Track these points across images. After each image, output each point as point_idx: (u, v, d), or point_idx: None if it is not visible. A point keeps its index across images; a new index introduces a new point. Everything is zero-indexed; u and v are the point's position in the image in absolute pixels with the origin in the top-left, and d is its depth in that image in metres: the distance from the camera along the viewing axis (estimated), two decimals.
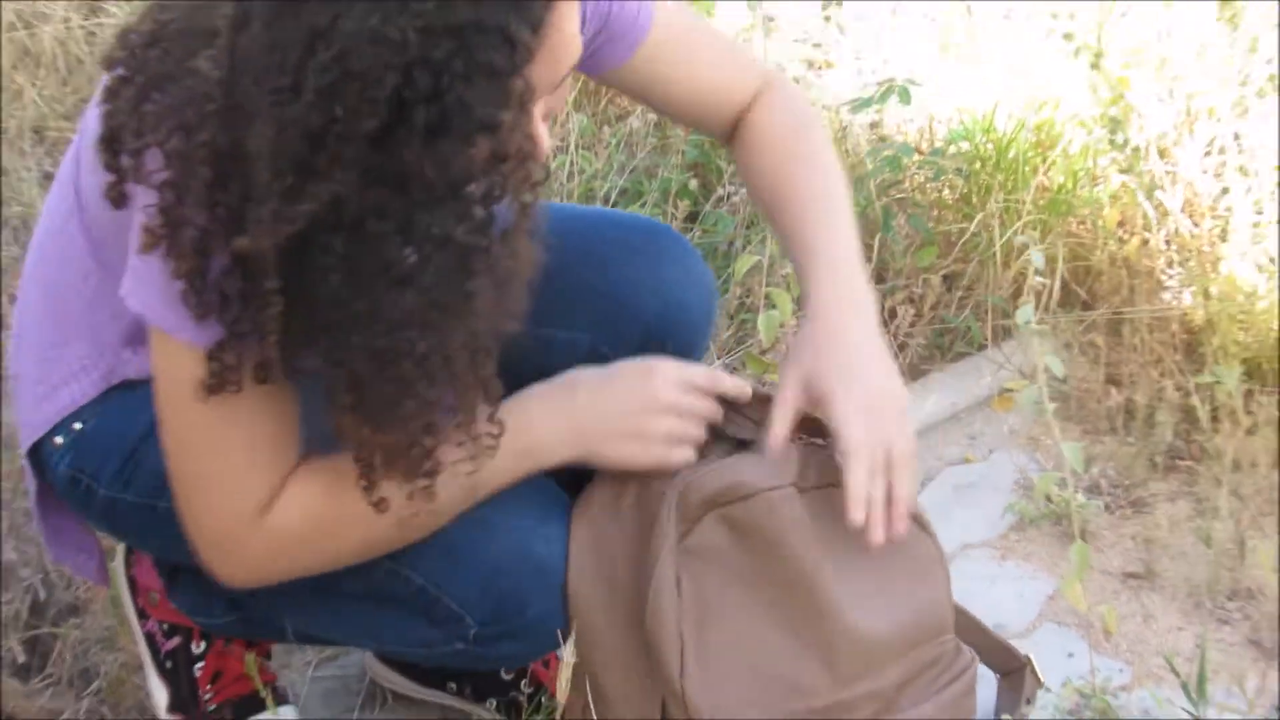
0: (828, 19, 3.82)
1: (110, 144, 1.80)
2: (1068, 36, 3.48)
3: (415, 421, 1.76)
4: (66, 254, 2.07)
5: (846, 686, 2.00)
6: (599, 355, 2.18)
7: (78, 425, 2.10)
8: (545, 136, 1.76)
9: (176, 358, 1.81)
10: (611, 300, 2.22)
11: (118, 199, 1.81)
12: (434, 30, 1.53)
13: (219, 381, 1.78)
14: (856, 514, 1.93)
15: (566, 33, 1.72)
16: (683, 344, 2.27)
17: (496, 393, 1.82)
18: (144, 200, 1.75)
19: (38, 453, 2.15)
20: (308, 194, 1.58)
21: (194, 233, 1.71)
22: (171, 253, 1.74)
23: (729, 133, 2.30)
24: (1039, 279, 3.01)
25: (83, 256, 2.03)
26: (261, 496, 1.88)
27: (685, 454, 2.01)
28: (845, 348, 2.05)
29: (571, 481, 2.12)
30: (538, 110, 1.72)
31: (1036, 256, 2.66)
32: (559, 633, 2.04)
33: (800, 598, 1.99)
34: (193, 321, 1.75)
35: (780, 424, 2.01)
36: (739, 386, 2.03)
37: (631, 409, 2.00)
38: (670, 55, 2.21)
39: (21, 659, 2.46)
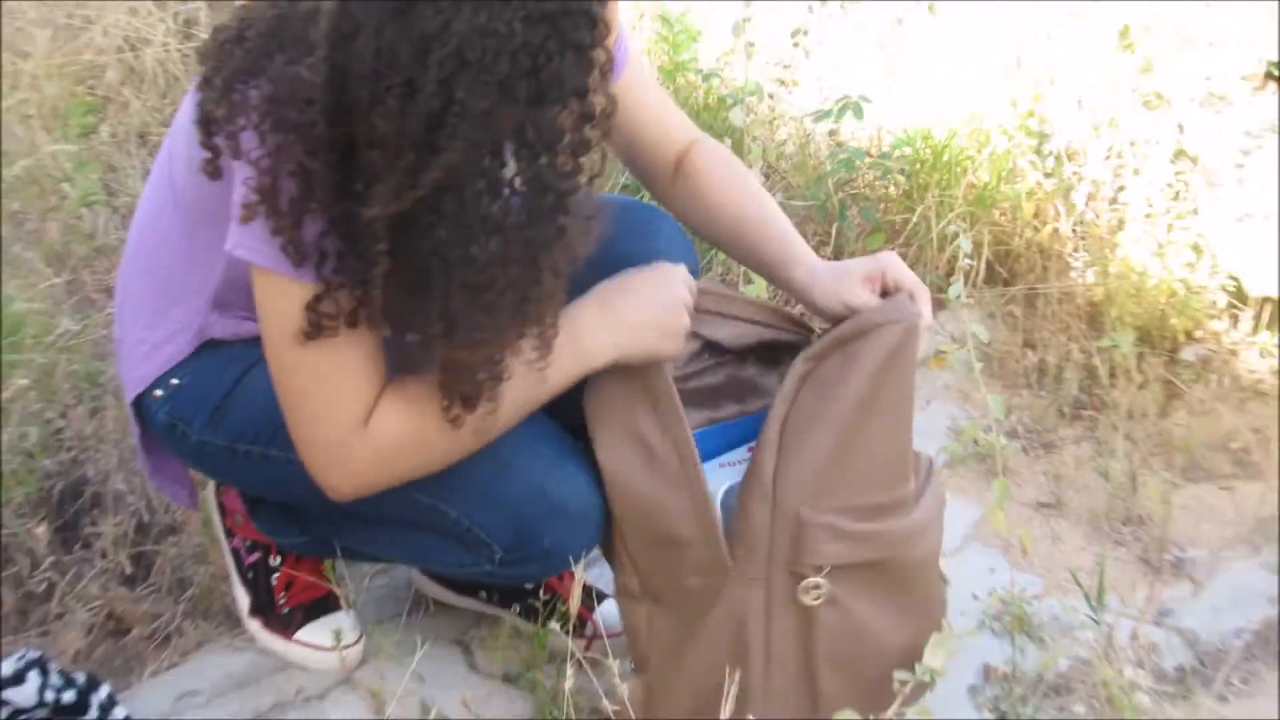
0: (796, 45, 3.81)
1: (206, 125, 1.83)
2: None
3: (495, 344, 1.80)
4: (163, 235, 2.10)
5: (902, 486, 2.05)
6: None
7: (174, 381, 2.13)
8: None
9: (281, 298, 1.83)
10: (610, 265, 2.13)
11: (214, 172, 1.84)
12: (532, 18, 1.59)
13: (315, 329, 1.80)
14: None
15: (614, 16, 1.77)
16: None
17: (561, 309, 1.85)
18: (242, 174, 1.78)
19: (140, 403, 2.18)
20: (428, 168, 1.62)
21: (289, 202, 1.74)
22: (270, 217, 1.76)
23: (668, 175, 2.29)
24: (967, 261, 3.03)
25: (176, 237, 2.06)
26: (359, 411, 1.88)
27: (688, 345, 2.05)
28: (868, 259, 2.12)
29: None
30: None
31: (965, 243, 2.67)
32: (569, 557, 2.05)
33: (890, 419, 2.02)
34: (293, 268, 1.78)
35: (870, 297, 2.08)
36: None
37: (664, 309, 1.99)
38: (636, 92, 2.21)
39: (129, 571, 2.47)
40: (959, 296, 2.55)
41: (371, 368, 1.88)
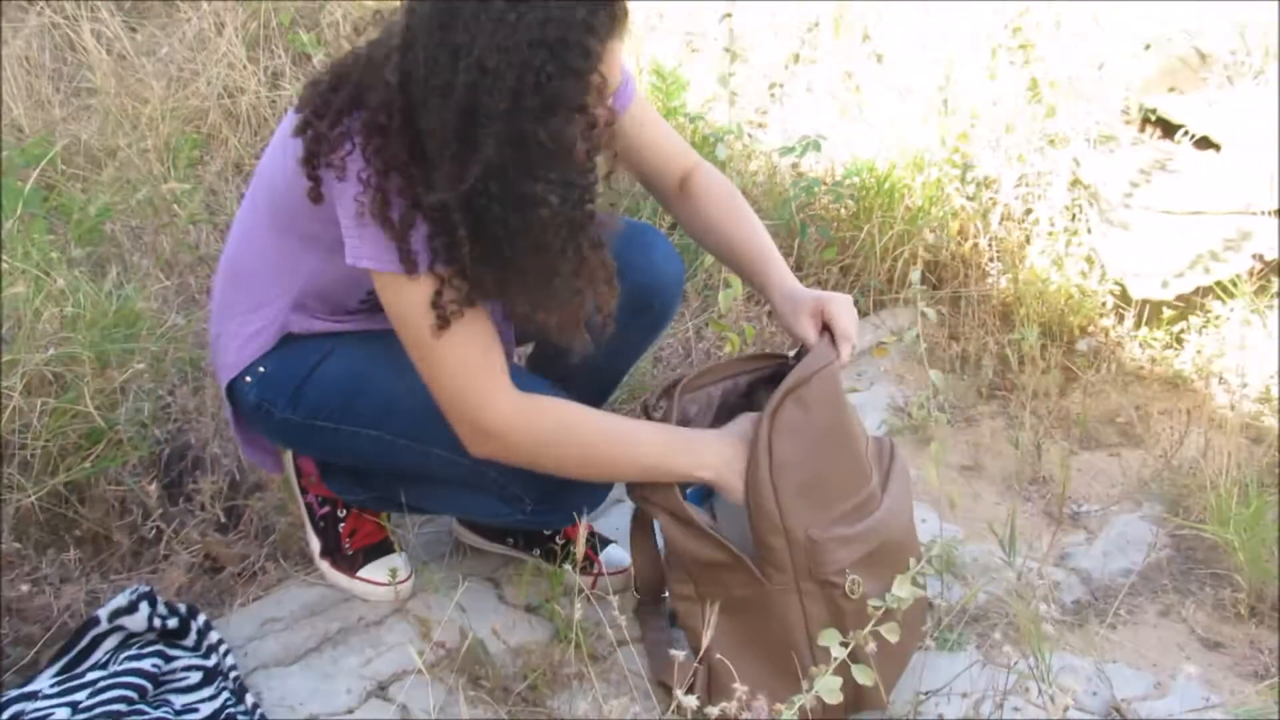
0: (773, 96, 3.80)
1: (310, 161, 1.83)
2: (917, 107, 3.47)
3: (565, 293, 1.83)
4: (253, 251, 2.09)
5: (866, 486, 2.07)
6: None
7: (261, 369, 2.13)
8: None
9: (407, 298, 1.86)
10: (619, 270, 2.18)
11: (317, 198, 1.85)
12: (536, 43, 1.64)
13: (443, 318, 1.83)
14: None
15: (615, 61, 1.78)
16: (661, 303, 2.31)
17: (613, 272, 1.88)
18: (353, 191, 1.80)
19: (232, 387, 2.17)
20: (472, 157, 1.69)
21: (398, 209, 1.79)
22: (384, 227, 1.79)
23: (673, 193, 2.28)
24: (915, 275, 2.96)
25: (265, 252, 2.04)
26: (507, 376, 1.92)
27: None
28: (818, 295, 2.13)
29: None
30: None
31: (915, 275, 2.66)
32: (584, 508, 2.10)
33: (839, 440, 2.06)
34: (408, 271, 1.81)
35: (811, 331, 2.10)
36: None
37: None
38: (641, 124, 2.21)
39: (223, 520, 2.43)
40: (915, 283, 2.53)
41: (496, 347, 1.91)
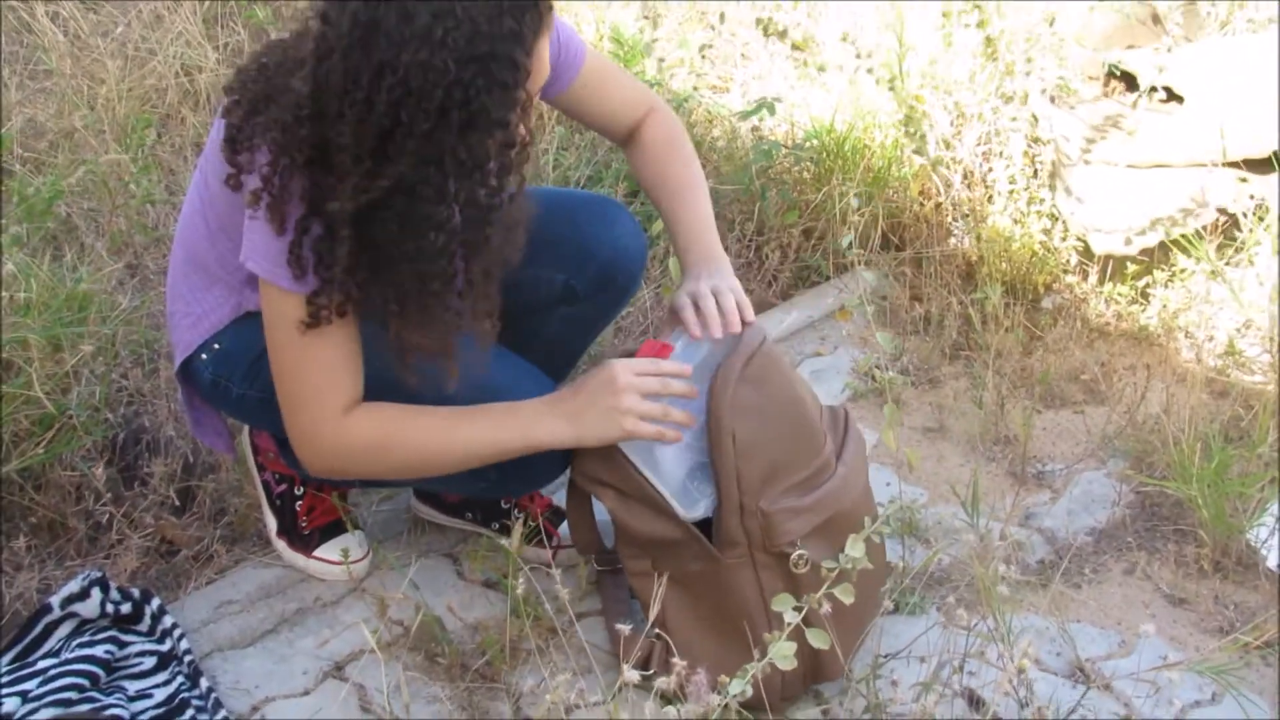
0: (704, 56, 3.76)
1: (231, 145, 1.82)
2: (870, 71, 3.43)
3: (443, 324, 1.81)
4: (202, 228, 2.05)
5: (819, 455, 2.06)
6: (569, 287, 2.22)
7: (217, 345, 2.11)
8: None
9: (280, 303, 1.84)
10: (578, 248, 2.21)
11: (235, 186, 1.83)
12: (464, 60, 1.61)
13: (315, 319, 1.81)
14: (695, 331, 2.00)
15: (542, 63, 1.77)
16: (626, 278, 2.27)
17: (497, 308, 1.87)
18: (251, 185, 1.79)
19: (188, 365, 2.15)
20: (382, 173, 1.66)
21: (292, 208, 1.76)
22: (274, 222, 1.77)
23: (625, 139, 2.28)
24: (857, 218, 2.91)
25: (214, 230, 2.01)
26: (337, 404, 1.89)
27: (647, 428, 1.95)
28: (704, 276, 2.09)
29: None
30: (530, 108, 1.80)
31: (853, 201, 2.61)
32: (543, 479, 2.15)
33: (792, 413, 2.05)
34: (292, 278, 1.79)
35: (688, 317, 2.03)
36: (678, 367, 1.98)
37: (603, 394, 1.93)
38: (592, 86, 2.18)
39: (177, 503, 2.40)
40: (850, 245, 2.49)
41: (351, 367, 1.89)
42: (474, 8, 1.61)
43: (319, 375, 1.88)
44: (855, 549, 1.86)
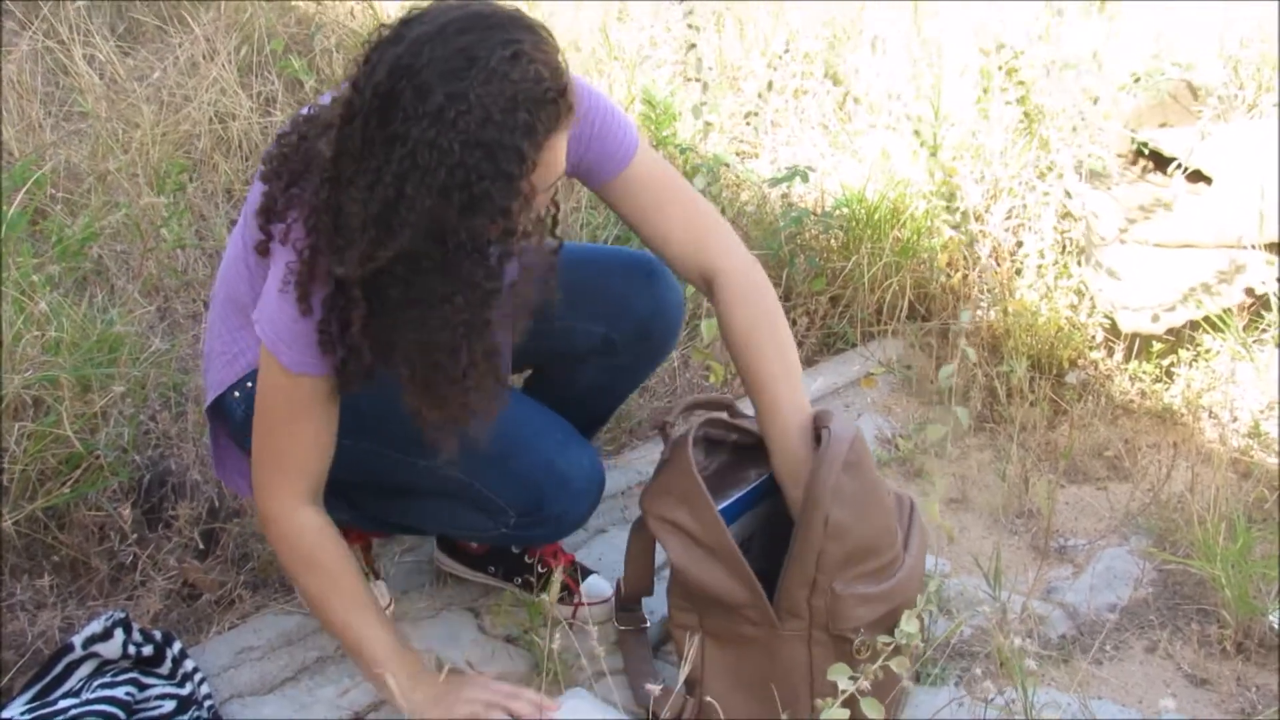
0: (748, 123, 3.78)
1: (265, 214, 1.87)
2: (916, 134, 3.46)
3: (447, 393, 1.83)
4: (240, 274, 2.07)
5: (894, 546, 2.05)
6: (608, 339, 2.25)
7: (249, 384, 2.11)
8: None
9: (276, 377, 1.91)
10: (618, 302, 2.24)
11: (264, 253, 1.89)
12: (471, 144, 1.64)
13: (344, 386, 1.90)
14: None
15: (557, 157, 1.77)
16: (664, 333, 2.31)
17: (507, 378, 1.92)
18: (285, 258, 1.83)
19: (220, 403, 2.17)
20: (387, 243, 1.69)
21: (318, 287, 1.81)
22: (301, 303, 1.82)
23: (700, 283, 2.14)
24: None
25: (254, 274, 2.03)
26: (298, 488, 1.99)
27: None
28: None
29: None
30: (540, 199, 1.79)
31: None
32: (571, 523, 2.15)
33: (880, 503, 2.05)
34: (307, 355, 1.86)
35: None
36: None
37: (454, 691, 1.98)
38: (645, 192, 2.09)
39: (200, 546, 2.42)
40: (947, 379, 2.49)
41: (320, 455, 1.98)
42: (488, 95, 1.65)
43: (289, 455, 1.97)
44: (910, 625, 1.90)
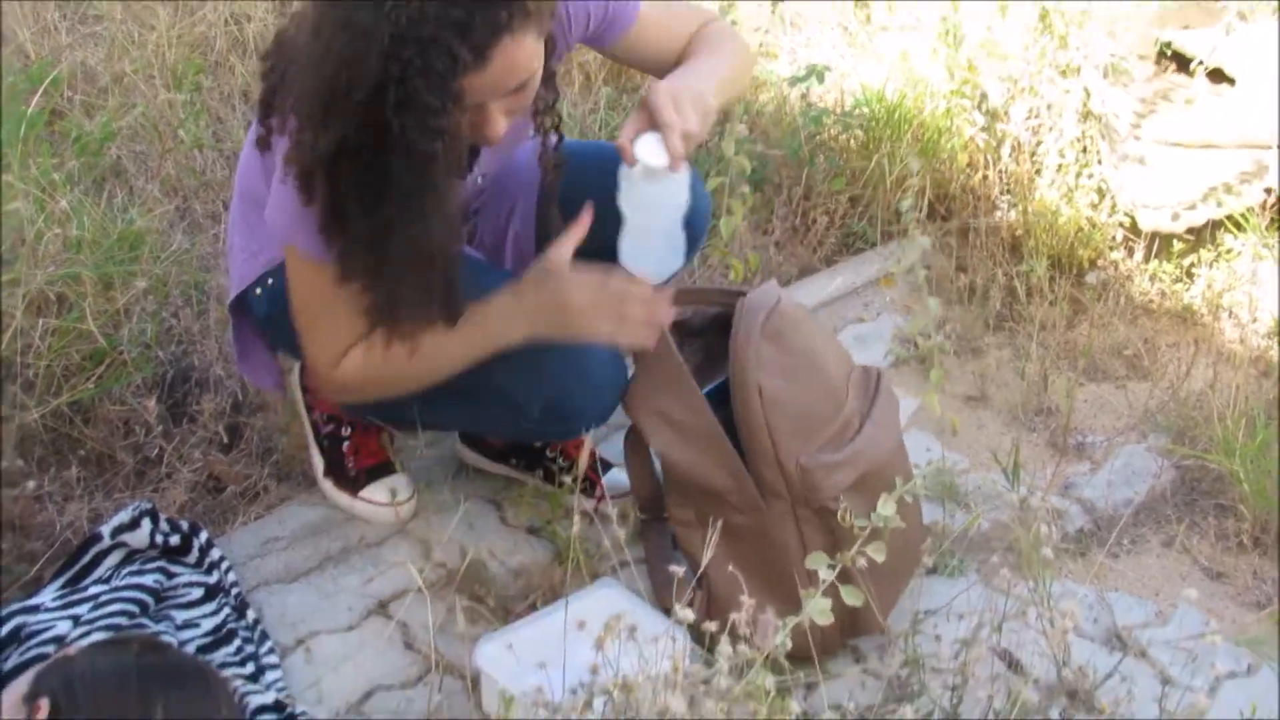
0: (774, 13, 3.74)
1: (263, 108, 1.88)
2: (945, 33, 3.44)
3: (402, 278, 1.82)
4: (254, 170, 2.08)
5: (841, 412, 2.08)
6: None
7: (270, 280, 2.14)
8: (500, 126, 1.82)
9: (301, 268, 1.94)
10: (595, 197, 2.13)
11: (265, 147, 1.90)
12: (402, 39, 1.62)
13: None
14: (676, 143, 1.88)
15: (513, 60, 1.73)
16: (699, 227, 2.28)
17: (455, 296, 1.90)
18: (283, 148, 1.82)
19: (243, 299, 2.19)
20: (326, 131, 1.68)
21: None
22: (303, 191, 1.80)
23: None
24: (914, 180, 2.91)
25: (269, 169, 2.02)
26: (340, 347, 1.98)
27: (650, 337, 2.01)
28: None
29: None
30: (495, 106, 1.78)
31: (913, 164, 2.62)
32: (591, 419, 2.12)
33: (813, 370, 2.09)
34: (313, 238, 1.84)
35: (628, 127, 1.93)
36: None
37: (607, 302, 1.96)
38: (643, 38, 2.14)
39: (225, 440, 2.44)
40: (908, 210, 2.51)
41: (352, 321, 1.93)
42: None
43: (324, 326, 1.98)
44: (886, 508, 1.85)
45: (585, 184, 1.99)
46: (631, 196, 1.94)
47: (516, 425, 2.16)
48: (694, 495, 2.08)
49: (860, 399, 2.14)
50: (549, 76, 1.97)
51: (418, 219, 1.76)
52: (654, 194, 1.93)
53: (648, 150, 1.87)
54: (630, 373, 2.14)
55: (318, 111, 1.68)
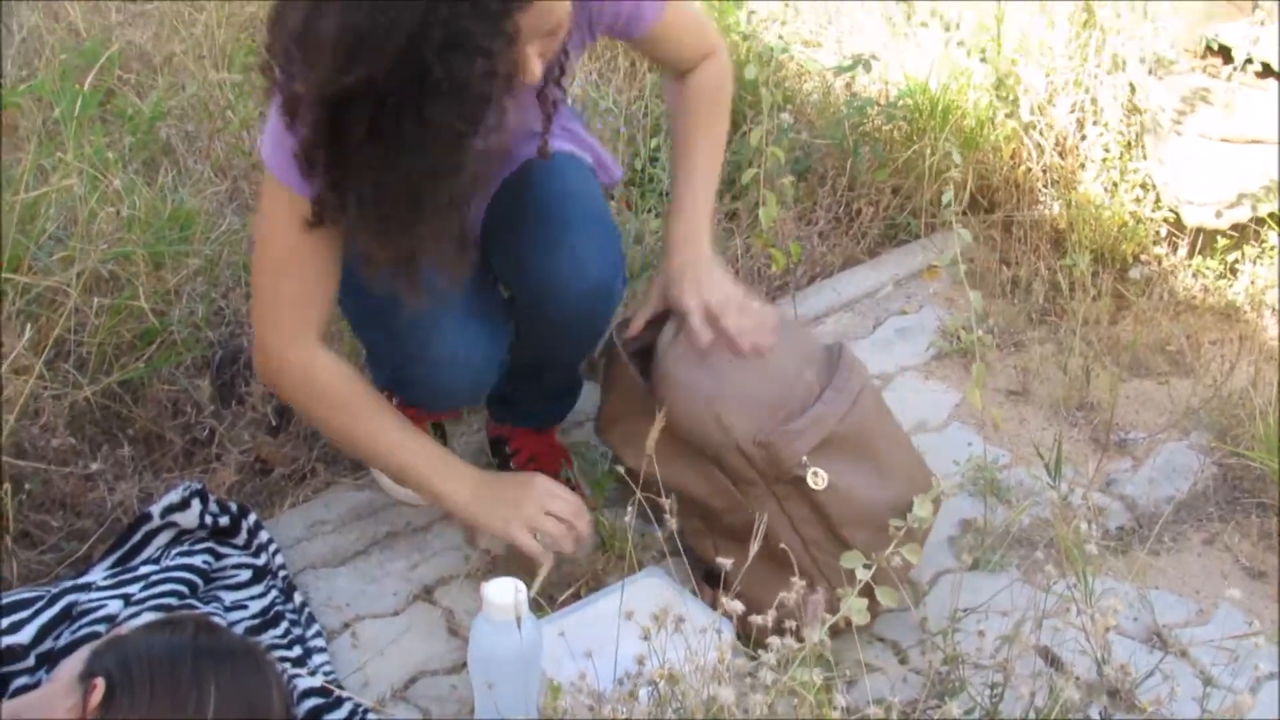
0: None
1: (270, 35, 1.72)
2: (960, 44, 3.43)
3: (400, 241, 1.73)
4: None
5: (799, 386, 2.09)
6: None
7: None
8: (537, 68, 1.73)
9: (276, 197, 1.85)
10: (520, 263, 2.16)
11: (265, 71, 1.75)
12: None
13: (316, 220, 1.78)
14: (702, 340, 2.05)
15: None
16: (558, 309, 2.18)
17: (461, 233, 1.81)
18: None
19: None
20: (351, 69, 1.53)
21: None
22: (285, 116, 1.68)
23: (677, 76, 2.26)
24: (956, 173, 2.91)
25: None
26: (311, 319, 1.95)
27: (532, 543, 2.03)
28: (688, 267, 2.12)
29: None
30: (531, 48, 1.69)
31: (947, 195, 2.61)
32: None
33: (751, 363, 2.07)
34: (298, 175, 1.73)
35: (638, 318, 2.12)
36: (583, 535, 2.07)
37: (514, 489, 2.05)
38: (665, 37, 2.14)
39: (274, 422, 2.45)
40: (948, 204, 2.53)
41: (326, 284, 1.93)
42: None
43: (301, 292, 1.93)
44: (923, 507, 1.85)
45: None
46: (477, 644, 1.81)
47: (381, 377, 2.28)
48: (689, 505, 2.06)
49: (822, 374, 2.12)
50: (558, 78, 1.99)
51: (451, 166, 1.65)
52: (496, 643, 1.78)
53: (498, 592, 1.77)
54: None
55: (341, 50, 1.53)
